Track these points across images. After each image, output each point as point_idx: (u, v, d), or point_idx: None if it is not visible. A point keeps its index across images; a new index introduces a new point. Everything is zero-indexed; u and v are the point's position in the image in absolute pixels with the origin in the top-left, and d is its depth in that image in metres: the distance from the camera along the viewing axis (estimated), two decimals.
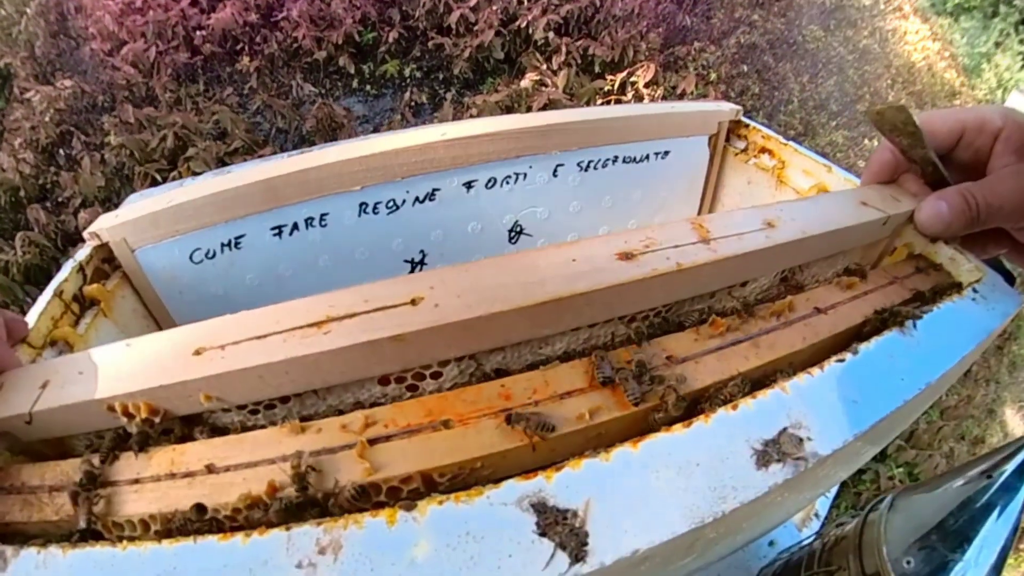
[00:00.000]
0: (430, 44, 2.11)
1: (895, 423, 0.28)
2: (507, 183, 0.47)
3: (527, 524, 0.18)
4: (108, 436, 0.25)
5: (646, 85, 2.03)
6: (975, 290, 0.37)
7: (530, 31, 2.07)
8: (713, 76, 2.14)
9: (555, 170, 0.49)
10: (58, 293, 0.42)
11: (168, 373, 0.23)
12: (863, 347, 0.26)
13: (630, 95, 2.08)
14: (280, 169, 0.43)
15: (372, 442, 0.21)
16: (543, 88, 1.68)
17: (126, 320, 0.46)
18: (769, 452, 0.19)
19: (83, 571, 0.19)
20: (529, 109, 1.76)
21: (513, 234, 0.52)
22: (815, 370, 0.24)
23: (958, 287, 0.39)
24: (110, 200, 1.69)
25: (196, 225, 0.44)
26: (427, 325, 0.21)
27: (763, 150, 0.59)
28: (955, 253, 0.41)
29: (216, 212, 0.44)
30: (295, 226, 0.45)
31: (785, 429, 0.20)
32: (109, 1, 2.26)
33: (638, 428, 0.22)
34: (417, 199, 0.46)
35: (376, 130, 2.07)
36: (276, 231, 0.45)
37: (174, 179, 1.50)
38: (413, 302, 0.22)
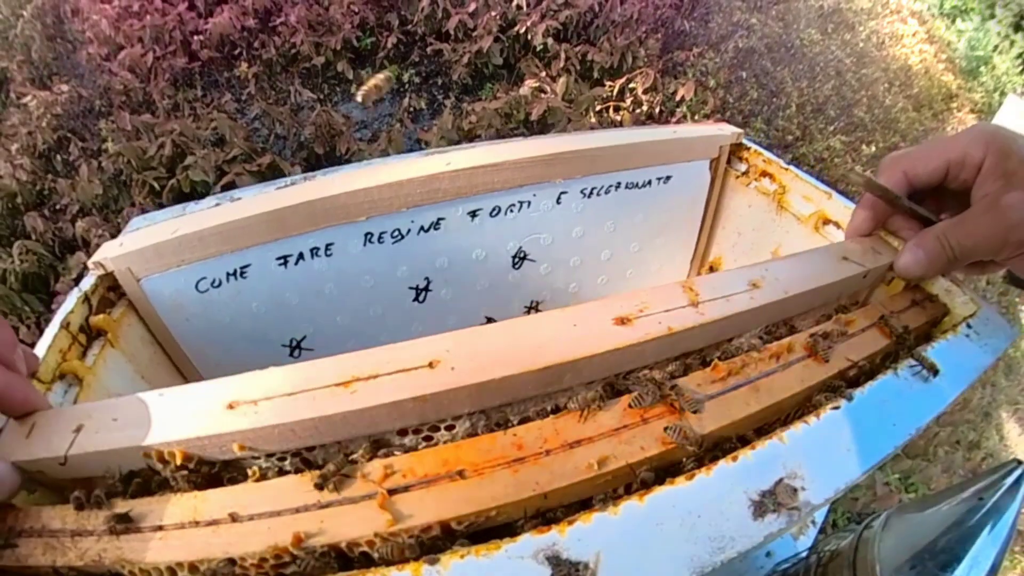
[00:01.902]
0: (429, 50, 2.11)
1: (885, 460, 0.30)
2: (511, 211, 0.49)
3: (540, 573, 0.19)
4: (134, 481, 0.26)
5: (645, 92, 2.05)
6: (969, 325, 0.38)
7: (529, 36, 2.08)
8: (712, 83, 2.16)
9: (559, 197, 0.50)
10: (64, 325, 0.42)
11: (205, 425, 0.24)
12: (857, 392, 0.27)
13: (629, 101, 2.09)
14: (285, 200, 0.44)
15: (392, 492, 0.22)
16: (542, 95, 1.69)
17: (134, 349, 0.47)
18: (765, 503, 0.21)
19: None
20: (528, 115, 1.77)
21: (517, 260, 0.53)
22: (811, 418, 0.25)
23: (953, 320, 0.40)
24: (108, 207, 1.69)
25: (202, 255, 0.45)
26: (444, 387, 0.23)
27: (764, 174, 0.60)
28: (951, 285, 0.42)
29: (221, 243, 0.45)
30: (301, 256, 0.46)
31: (781, 480, 0.22)
32: (106, 5, 2.26)
33: (655, 474, 0.23)
34: (422, 228, 0.47)
35: (375, 136, 2.07)
36: (282, 261, 0.46)
37: (173, 187, 1.51)
38: (431, 365, 0.24)
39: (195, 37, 2.12)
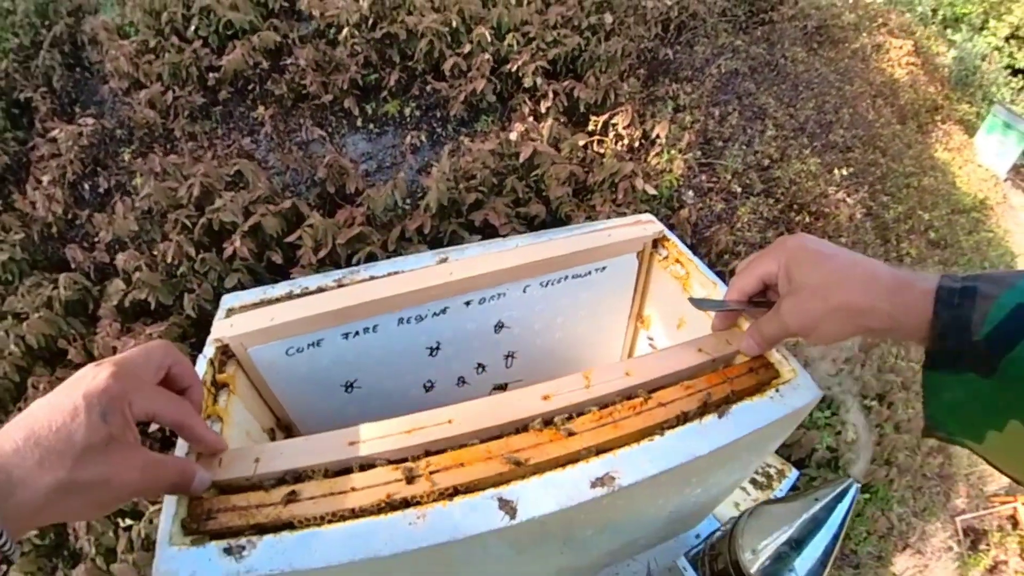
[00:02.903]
0: (428, 88, 2.39)
1: (688, 473, 0.57)
2: (492, 300, 0.77)
3: (495, 505, 0.47)
4: (289, 477, 0.53)
5: (625, 127, 2.33)
6: (777, 390, 0.57)
7: (520, 75, 2.36)
8: (688, 119, 2.44)
9: (524, 288, 0.78)
10: (204, 384, 0.68)
11: (339, 453, 0.51)
12: (669, 432, 0.55)
13: (611, 135, 2.38)
14: (350, 300, 0.71)
15: (431, 473, 0.50)
16: (530, 140, 1.97)
17: (242, 393, 0.74)
18: (596, 482, 0.48)
19: (309, 541, 0.48)
20: (517, 155, 2.05)
21: (497, 327, 0.81)
22: (635, 444, 0.53)
23: (780, 382, 0.64)
24: (140, 238, 1.96)
25: (291, 334, 0.71)
26: (458, 432, 0.51)
27: (677, 260, 0.87)
28: (782, 358, 0.67)
29: (306, 327, 0.71)
30: (357, 332, 0.74)
31: (607, 473, 0.49)
32: (124, 42, 2.53)
33: (551, 467, 0.51)
34: (434, 313, 0.75)
35: (380, 167, 2.35)
36: (345, 335, 0.74)
37: (203, 225, 1.78)
38: (449, 421, 0.52)
39: (211, 74, 2.39)
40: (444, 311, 0.74)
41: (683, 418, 0.58)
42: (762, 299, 0.63)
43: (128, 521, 1.66)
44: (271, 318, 0.71)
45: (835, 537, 0.76)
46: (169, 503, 0.53)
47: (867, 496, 2.39)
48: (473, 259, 0.75)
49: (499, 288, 0.75)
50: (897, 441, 2.53)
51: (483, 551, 0.51)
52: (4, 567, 0.34)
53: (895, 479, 2.54)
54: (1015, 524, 3.37)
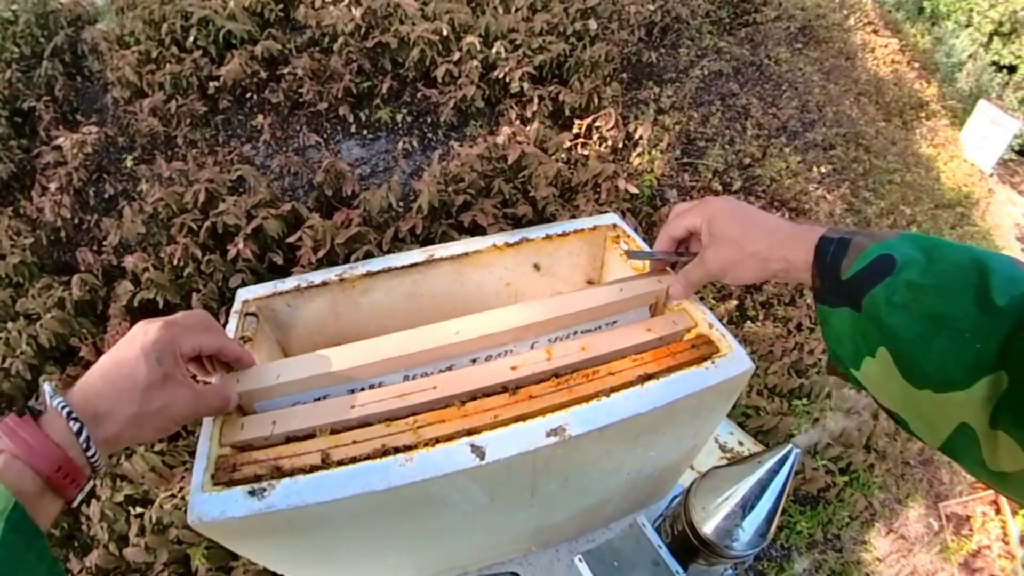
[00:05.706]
0: (419, 95, 2.51)
1: (633, 430, 0.69)
2: (499, 356, 0.79)
3: (468, 450, 0.59)
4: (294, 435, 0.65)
5: (609, 129, 2.46)
6: (713, 362, 0.66)
7: (507, 80, 2.48)
8: (669, 121, 2.57)
9: (532, 345, 0.80)
10: None
11: (343, 414, 0.64)
12: (614, 395, 0.67)
13: (595, 137, 2.50)
14: (356, 361, 0.76)
15: (419, 427, 0.62)
16: (517, 143, 2.09)
17: None
18: (550, 432, 0.61)
19: (319, 482, 0.60)
20: (505, 158, 2.17)
21: None
22: (584, 404, 0.65)
23: (717, 356, 0.76)
24: (146, 241, 2.08)
25: (296, 390, 0.73)
26: (440, 396, 0.63)
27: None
28: (721, 336, 0.79)
29: (311, 385, 0.74)
30: (362, 387, 0.78)
31: (560, 426, 0.62)
32: (126, 52, 2.64)
33: (515, 421, 0.63)
34: (440, 370, 0.78)
35: (373, 171, 2.47)
36: (350, 390, 0.79)
37: (208, 228, 1.90)
38: (434, 388, 0.64)
39: (210, 83, 2.51)
40: (450, 368, 0.77)
41: (628, 384, 0.70)
42: (684, 252, 0.73)
43: (139, 508, 1.77)
44: (277, 376, 0.71)
45: (779, 497, 0.88)
46: (200, 460, 0.64)
47: (846, 479, 2.52)
48: (482, 319, 0.76)
49: (506, 346, 0.78)
50: (877, 427, 2.65)
51: (460, 492, 0.64)
52: (93, 482, 0.46)
53: (876, 464, 2.66)
54: (997, 510, 3.50)
